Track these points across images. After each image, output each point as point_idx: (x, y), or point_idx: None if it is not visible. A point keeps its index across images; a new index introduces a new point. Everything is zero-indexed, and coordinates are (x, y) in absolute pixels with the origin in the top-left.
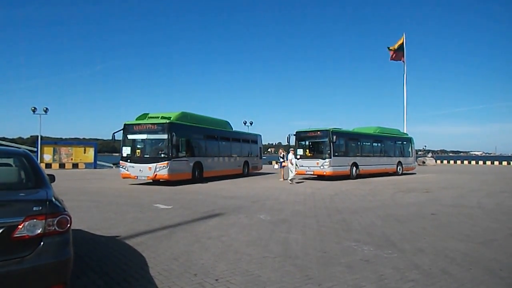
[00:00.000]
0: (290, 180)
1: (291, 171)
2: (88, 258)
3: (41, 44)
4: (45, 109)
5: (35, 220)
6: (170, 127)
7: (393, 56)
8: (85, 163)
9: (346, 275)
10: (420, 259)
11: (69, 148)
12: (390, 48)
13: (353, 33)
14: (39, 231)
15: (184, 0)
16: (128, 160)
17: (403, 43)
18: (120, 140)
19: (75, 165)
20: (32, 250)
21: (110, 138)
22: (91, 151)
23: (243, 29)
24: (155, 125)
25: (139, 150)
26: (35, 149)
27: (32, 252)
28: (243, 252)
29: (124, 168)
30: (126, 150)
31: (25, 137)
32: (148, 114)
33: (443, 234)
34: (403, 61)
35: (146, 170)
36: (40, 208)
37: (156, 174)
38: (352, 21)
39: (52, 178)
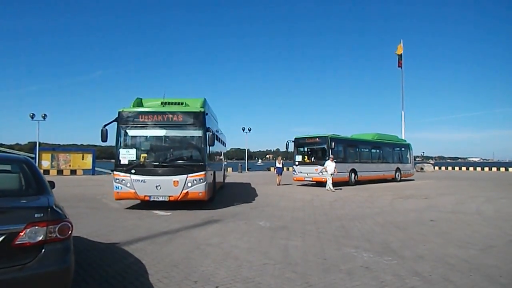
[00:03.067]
0: (329, 188)
1: (328, 178)
2: (87, 265)
3: (40, 50)
4: (43, 115)
5: (36, 227)
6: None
7: (400, 63)
8: (83, 170)
9: (346, 282)
10: (420, 266)
11: (67, 154)
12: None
13: (354, 41)
14: (40, 238)
15: (183, 12)
16: (132, 171)
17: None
18: (117, 138)
19: (73, 172)
20: (33, 257)
21: (100, 136)
22: (89, 158)
23: (242, 37)
24: (181, 116)
25: (152, 154)
26: (33, 155)
27: (33, 260)
28: (243, 259)
29: (122, 184)
30: (128, 154)
31: (22, 143)
32: (161, 99)
33: (442, 240)
34: (401, 68)
35: (168, 186)
36: (42, 215)
37: (186, 192)
38: (352, 28)
39: (52, 184)
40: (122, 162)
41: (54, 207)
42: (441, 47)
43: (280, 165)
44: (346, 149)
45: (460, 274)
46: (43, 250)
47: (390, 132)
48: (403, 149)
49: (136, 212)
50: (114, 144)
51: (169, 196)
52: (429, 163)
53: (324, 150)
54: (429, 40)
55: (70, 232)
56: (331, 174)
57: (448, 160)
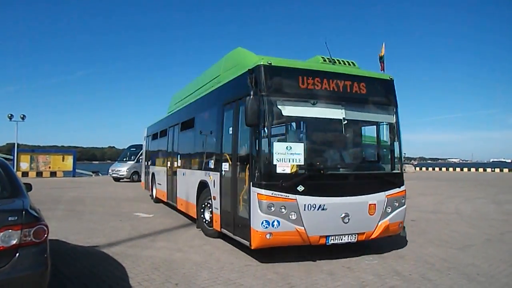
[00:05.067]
0: None
1: None
2: (66, 269)
3: (18, 50)
4: (22, 116)
5: (10, 230)
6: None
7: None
8: (63, 171)
9: (328, 282)
10: (400, 265)
11: (47, 156)
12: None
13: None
14: (14, 242)
15: (173, 12)
16: (299, 188)
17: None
18: (253, 120)
19: (53, 174)
20: (7, 261)
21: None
22: (69, 159)
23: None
24: (366, 84)
25: (327, 154)
26: (11, 157)
27: (7, 264)
28: (225, 260)
29: (280, 215)
30: (287, 155)
31: (0, 144)
32: (316, 57)
33: (422, 240)
34: (383, 71)
35: (361, 216)
36: (16, 218)
37: (386, 225)
38: (339, 29)
39: (28, 187)
40: (278, 171)
41: (29, 209)
42: (423, 50)
43: None
44: None
45: (439, 273)
46: (18, 254)
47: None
48: None
49: (117, 214)
50: (224, 134)
51: (358, 234)
52: (410, 164)
53: None
54: (411, 42)
55: (45, 235)
56: None
57: (429, 161)
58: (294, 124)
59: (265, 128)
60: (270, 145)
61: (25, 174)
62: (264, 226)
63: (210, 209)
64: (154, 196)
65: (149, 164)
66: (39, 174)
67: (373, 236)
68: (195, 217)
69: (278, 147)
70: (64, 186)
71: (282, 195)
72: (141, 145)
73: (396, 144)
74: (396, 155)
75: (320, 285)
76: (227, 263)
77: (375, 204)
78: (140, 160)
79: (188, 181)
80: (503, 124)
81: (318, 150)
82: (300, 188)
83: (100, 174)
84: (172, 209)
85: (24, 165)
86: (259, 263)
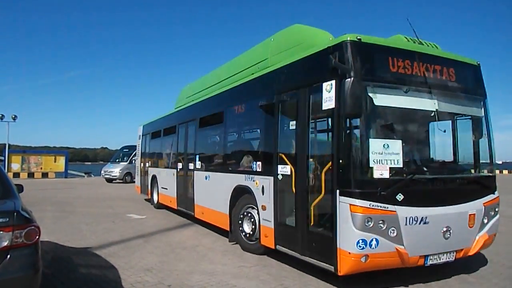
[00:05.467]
0: None
1: None
2: (57, 271)
3: (10, 50)
4: (13, 116)
5: (1, 232)
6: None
7: None
8: (55, 172)
9: (320, 282)
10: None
11: (39, 157)
12: None
13: None
14: (5, 244)
15: (166, 10)
16: (399, 197)
17: None
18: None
19: (44, 175)
20: None
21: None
22: (61, 160)
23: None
24: (455, 70)
25: (420, 152)
26: (2, 158)
27: None
28: (218, 261)
29: (377, 231)
30: (385, 155)
31: None
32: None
33: None
34: None
35: (461, 229)
36: (7, 219)
37: (484, 238)
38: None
39: (20, 188)
40: (375, 175)
41: (20, 211)
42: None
43: None
44: None
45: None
46: (9, 256)
47: None
48: None
49: (110, 216)
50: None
51: (456, 252)
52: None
53: None
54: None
55: (37, 237)
56: None
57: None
58: (386, 115)
59: (358, 120)
60: (364, 143)
61: (16, 175)
62: (360, 246)
63: (252, 220)
64: (156, 201)
65: (147, 165)
66: (31, 175)
67: (470, 253)
68: (225, 228)
69: (375, 145)
70: (56, 187)
71: (381, 207)
72: (135, 146)
73: (486, 141)
74: (486, 155)
75: (314, 285)
76: (220, 264)
77: (474, 214)
78: (134, 161)
79: (215, 186)
80: None
81: (412, 149)
82: (400, 197)
83: (92, 175)
84: (180, 215)
85: (15, 166)
86: (253, 264)
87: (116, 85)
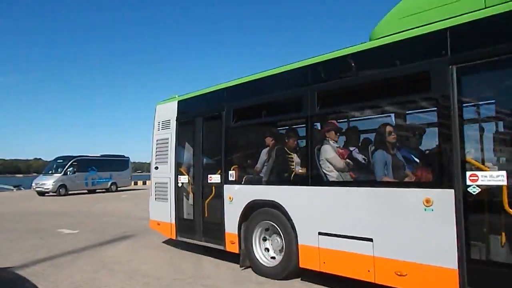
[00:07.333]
0: None
1: None
2: None
3: None
4: None
5: None
6: None
7: None
8: None
9: None
10: None
11: None
12: None
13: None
14: None
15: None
16: None
17: None
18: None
19: None
20: None
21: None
22: None
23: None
24: None
25: None
26: None
27: None
28: (153, 275)
29: None
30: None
31: None
32: None
33: None
34: None
35: None
36: None
37: None
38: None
39: None
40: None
41: None
42: None
43: None
44: None
45: None
46: None
47: None
48: None
49: (38, 231)
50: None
51: None
52: None
53: None
54: None
55: None
56: None
57: None
58: None
59: None
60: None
61: None
62: None
63: None
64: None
65: (213, 180)
66: None
67: None
68: None
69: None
70: None
71: None
72: (70, 156)
73: None
74: None
75: None
76: (154, 278)
77: None
78: (69, 172)
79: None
80: None
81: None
82: None
83: (22, 188)
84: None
85: None
86: (189, 276)
87: (53, 88)
